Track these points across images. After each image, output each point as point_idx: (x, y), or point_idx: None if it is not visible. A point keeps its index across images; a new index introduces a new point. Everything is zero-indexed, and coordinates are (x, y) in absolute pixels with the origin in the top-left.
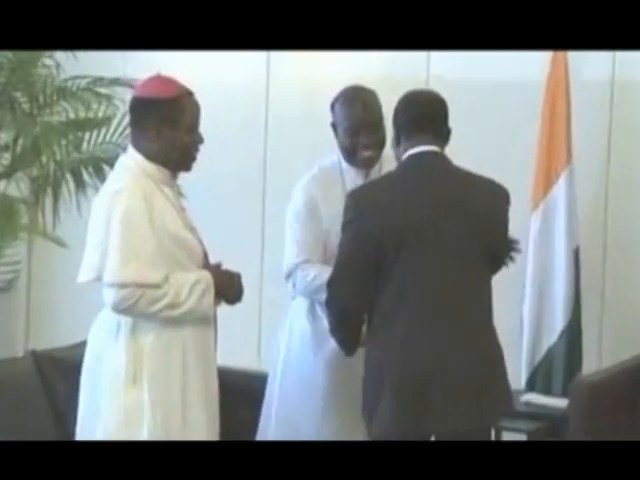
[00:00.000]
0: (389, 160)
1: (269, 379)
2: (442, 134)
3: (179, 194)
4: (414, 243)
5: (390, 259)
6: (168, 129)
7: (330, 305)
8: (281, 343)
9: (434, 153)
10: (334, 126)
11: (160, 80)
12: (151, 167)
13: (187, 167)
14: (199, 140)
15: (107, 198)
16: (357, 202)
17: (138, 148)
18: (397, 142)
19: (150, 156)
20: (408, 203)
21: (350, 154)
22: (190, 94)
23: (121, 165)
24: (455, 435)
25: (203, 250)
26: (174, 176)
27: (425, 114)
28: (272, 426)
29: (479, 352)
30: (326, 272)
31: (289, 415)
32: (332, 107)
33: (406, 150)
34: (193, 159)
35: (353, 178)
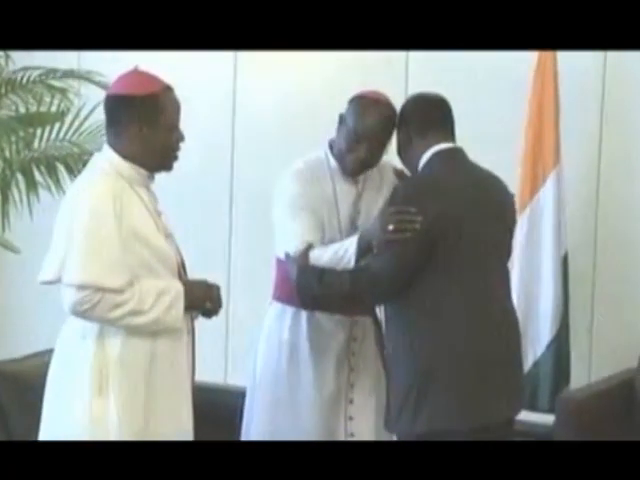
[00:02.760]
0: (387, 168)
1: (247, 394)
2: (454, 132)
3: (155, 198)
4: (467, 238)
5: (444, 253)
6: (148, 127)
7: (371, 290)
8: (258, 353)
9: (459, 149)
10: (342, 118)
11: (138, 75)
12: (127, 167)
13: (168, 167)
14: (180, 138)
15: (73, 196)
16: (412, 200)
17: (114, 147)
18: (409, 142)
19: (128, 156)
20: (457, 200)
21: (340, 156)
22: (170, 89)
23: (93, 164)
24: (503, 426)
25: (178, 258)
26: (151, 177)
27: (440, 112)
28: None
29: (518, 345)
30: (351, 245)
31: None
32: (351, 101)
33: (425, 149)
34: (174, 158)
35: (341, 179)
